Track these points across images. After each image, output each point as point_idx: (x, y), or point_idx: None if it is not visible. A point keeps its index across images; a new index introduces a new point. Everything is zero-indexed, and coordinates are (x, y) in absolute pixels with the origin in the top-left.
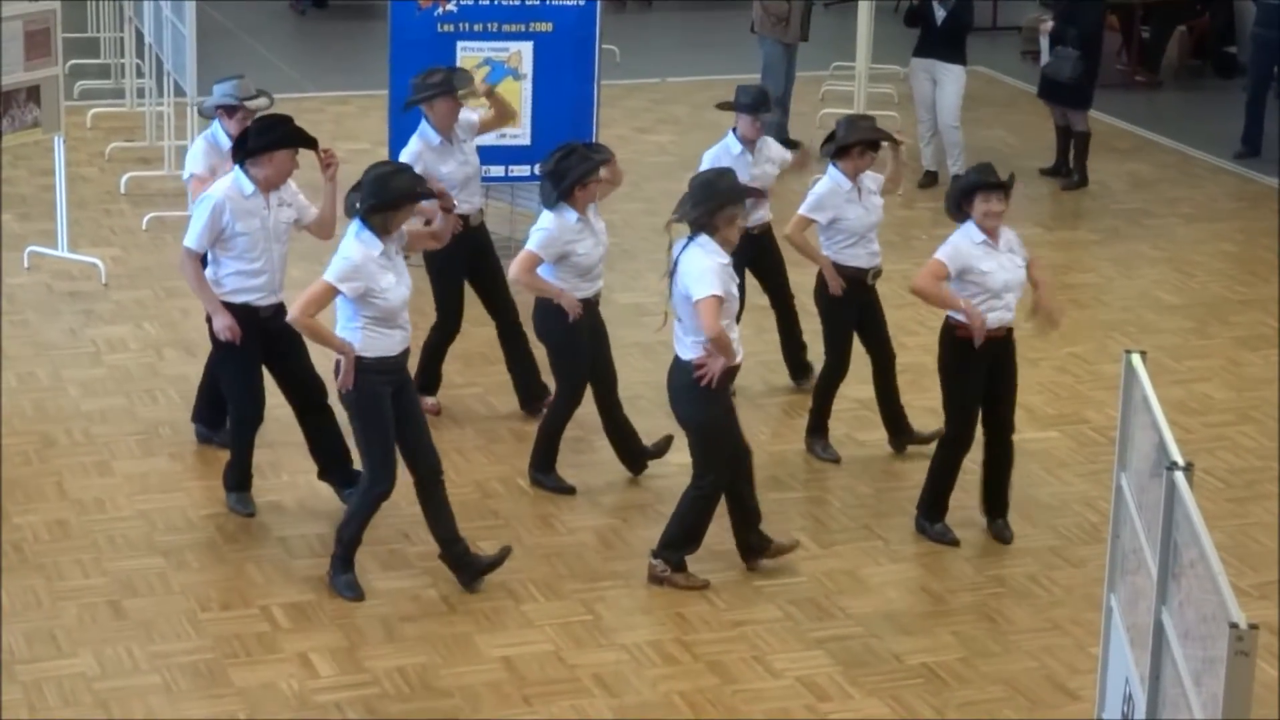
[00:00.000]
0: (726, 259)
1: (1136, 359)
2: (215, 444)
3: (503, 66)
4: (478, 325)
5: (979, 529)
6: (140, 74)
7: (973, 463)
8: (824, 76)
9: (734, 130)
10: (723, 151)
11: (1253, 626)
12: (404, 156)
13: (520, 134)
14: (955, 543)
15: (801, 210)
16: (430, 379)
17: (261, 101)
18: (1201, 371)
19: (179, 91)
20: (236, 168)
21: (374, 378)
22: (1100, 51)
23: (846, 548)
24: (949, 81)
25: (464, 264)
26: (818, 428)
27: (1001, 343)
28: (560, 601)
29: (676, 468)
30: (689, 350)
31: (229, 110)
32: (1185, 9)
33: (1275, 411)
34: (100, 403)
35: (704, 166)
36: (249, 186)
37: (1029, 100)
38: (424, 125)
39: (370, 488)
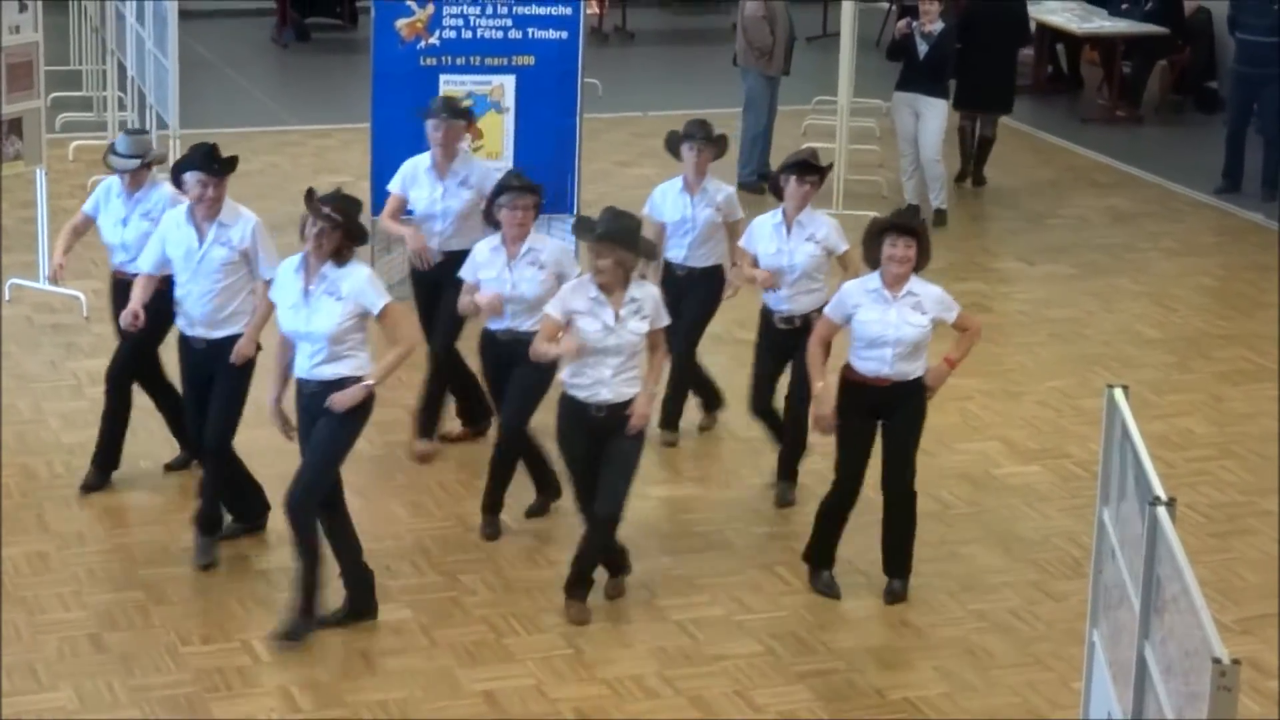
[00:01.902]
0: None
1: (1118, 393)
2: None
3: (485, 100)
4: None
5: (962, 564)
6: (123, 107)
7: (967, 499)
8: (806, 110)
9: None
10: (668, 187)
11: (1235, 662)
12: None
13: (502, 167)
14: (838, 595)
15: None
16: (427, 421)
17: (130, 164)
18: (1183, 406)
19: (161, 124)
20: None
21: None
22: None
23: None
24: (931, 116)
25: (423, 296)
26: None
27: (884, 392)
28: (542, 635)
29: (657, 501)
30: None
31: (177, 180)
32: (1166, 44)
33: (1257, 446)
34: (81, 435)
35: (649, 201)
36: (184, 217)
37: (1012, 135)
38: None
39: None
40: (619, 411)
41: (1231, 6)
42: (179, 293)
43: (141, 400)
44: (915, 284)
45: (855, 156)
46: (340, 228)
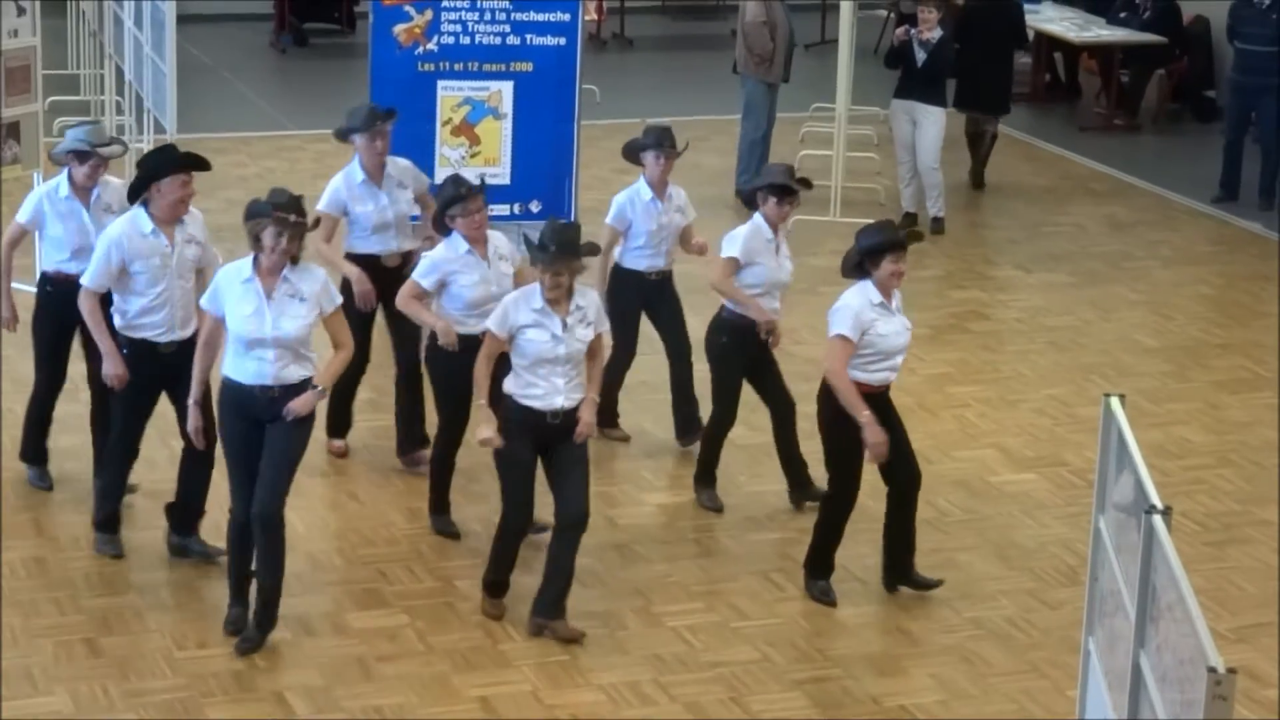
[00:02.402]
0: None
1: (1115, 402)
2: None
3: (483, 106)
4: None
5: (958, 571)
6: (120, 111)
7: (954, 506)
8: (804, 118)
9: (644, 175)
10: (634, 196)
11: (1231, 670)
12: (325, 189)
13: (500, 173)
14: (833, 603)
15: (725, 253)
16: (340, 420)
17: (115, 149)
18: (1180, 415)
19: (159, 129)
20: (138, 206)
21: (224, 396)
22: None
23: None
24: (929, 123)
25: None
26: (705, 477)
27: (884, 398)
28: (538, 641)
29: (653, 508)
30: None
31: (80, 156)
32: (1164, 53)
33: (1254, 455)
34: (76, 439)
35: (613, 210)
36: (147, 225)
37: (1010, 143)
38: (354, 160)
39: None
40: (571, 416)
41: (1230, 16)
42: (151, 302)
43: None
44: (895, 293)
45: (853, 164)
46: (304, 230)
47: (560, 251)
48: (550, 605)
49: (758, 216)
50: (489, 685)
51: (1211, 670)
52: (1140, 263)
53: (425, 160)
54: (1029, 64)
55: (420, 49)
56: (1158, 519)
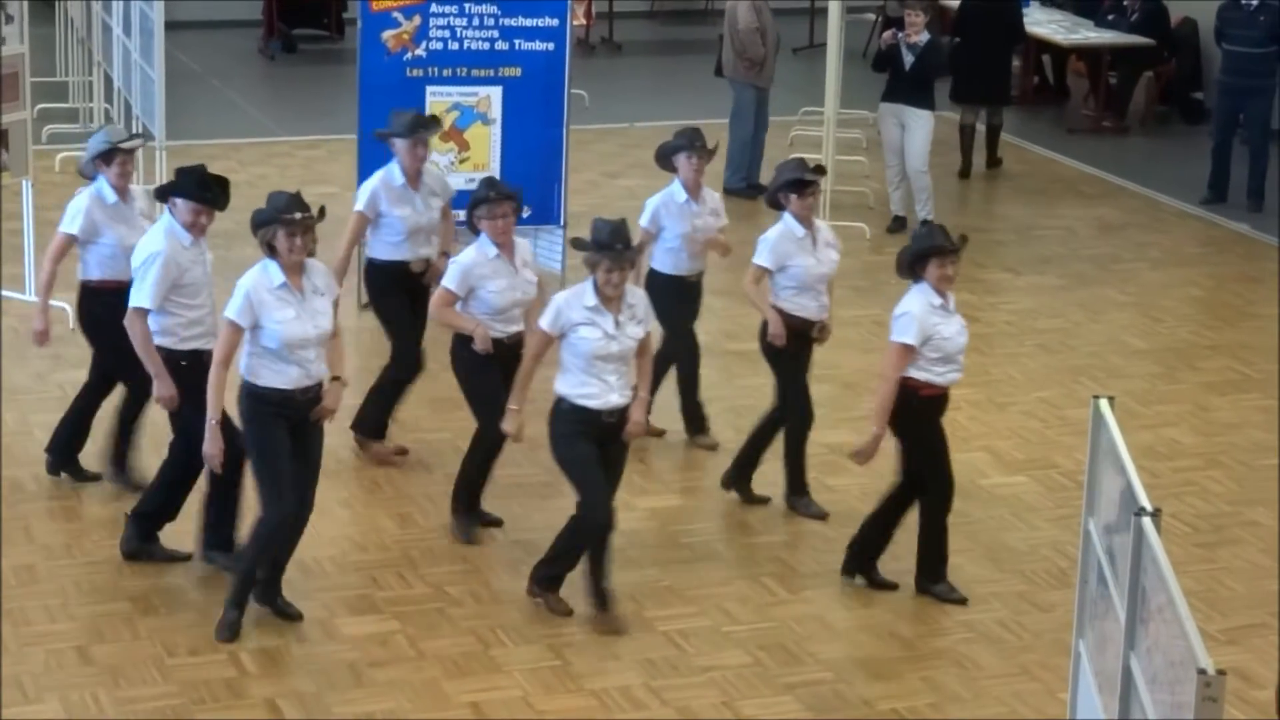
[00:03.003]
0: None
1: (1104, 404)
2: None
3: (472, 111)
4: (446, 369)
5: (950, 574)
6: (109, 118)
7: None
8: (792, 122)
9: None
10: (669, 198)
11: (1220, 672)
12: (362, 189)
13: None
14: (963, 600)
15: (755, 260)
16: (378, 424)
17: (135, 142)
18: (1169, 416)
19: (148, 135)
20: (171, 219)
21: (263, 406)
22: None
23: (816, 593)
24: (917, 127)
25: (407, 307)
26: (797, 486)
27: (947, 399)
28: (529, 647)
29: (645, 512)
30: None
31: (107, 157)
32: (1152, 55)
33: (1243, 456)
34: None
35: (646, 213)
36: (186, 236)
37: (998, 144)
38: (392, 164)
39: (262, 517)
40: (624, 414)
41: (1218, 18)
42: (200, 313)
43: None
44: (949, 295)
45: (842, 167)
46: (313, 223)
47: (626, 248)
48: (552, 580)
49: (786, 217)
50: (480, 691)
51: (1202, 672)
52: (1129, 264)
53: None
54: (1017, 66)
55: (409, 55)
56: (1147, 521)
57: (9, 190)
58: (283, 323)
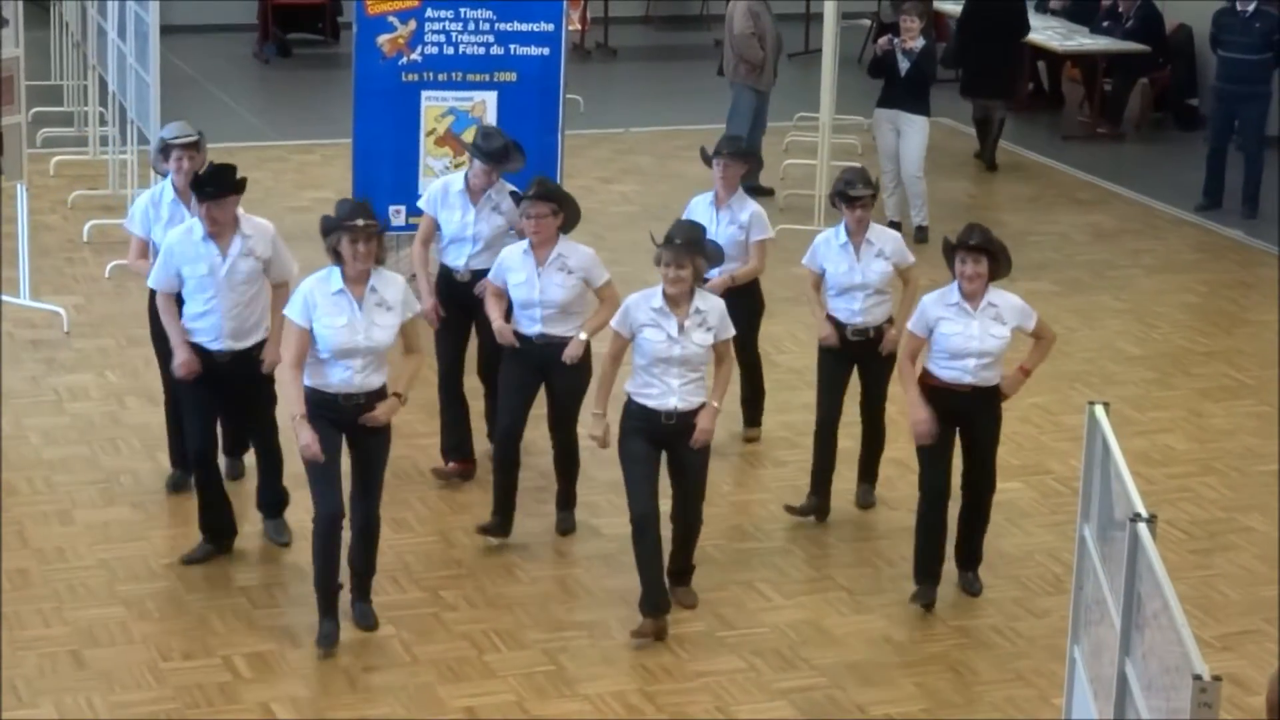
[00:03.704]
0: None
1: (1099, 410)
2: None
3: (467, 116)
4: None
5: (944, 580)
6: (104, 122)
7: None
8: (788, 127)
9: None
10: (700, 200)
11: (1216, 678)
12: (428, 191)
13: None
14: (926, 606)
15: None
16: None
17: (190, 136)
18: (1164, 423)
19: (142, 140)
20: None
21: (310, 405)
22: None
23: (810, 598)
24: (913, 132)
25: (452, 318)
26: (822, 484)
27: (964, 398)
28: (523, 651)
29: None
30: None
31: (164, 153)
32: (1147, 62)
33: (1237, 462)
34: (62, 451)
35: (688, 213)
36: (199, 232)
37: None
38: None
39: (313, 516)
40: (688, 419)
41: (1213, 24)
42: (200, 309)
43: (124, 417)
44: (994, 295)
45: (837, 173)
46: (376, 231)
47: (684, 245)
48: (649, 587)
49: (842, 222)
50: (475, 696)
51: (1197, 678)
52: (1124, 271)
53: (409, 171)
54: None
55: (404, 59)
56: (1142, 527)
57: (4, 194)
58: (331, 328)
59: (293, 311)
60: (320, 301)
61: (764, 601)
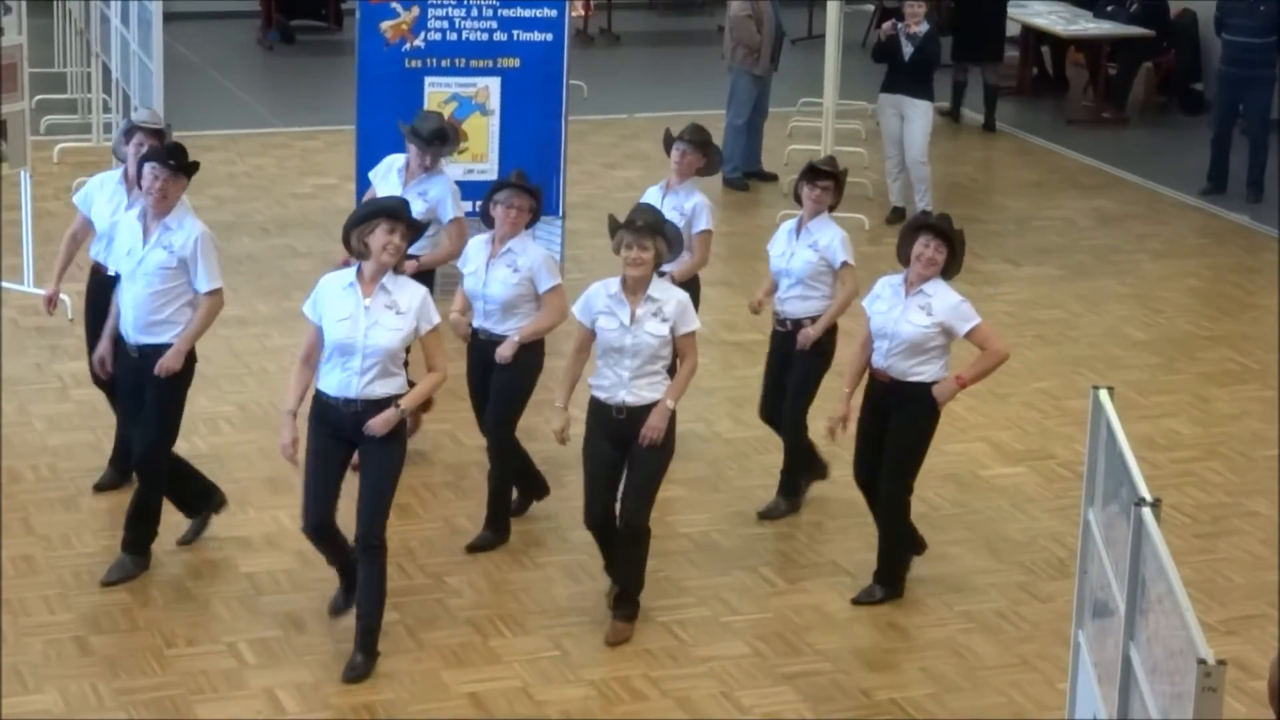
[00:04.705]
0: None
1: (1104, 394)
2: None
3: (470, 102)
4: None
5: (949, 565)
6: (107, 109)
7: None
8: (791, 112)
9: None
10: (652, 189)
11: (1220, 662)
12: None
13: (488, 169)
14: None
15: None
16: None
17: (154, 122)
18: (1169, 407)
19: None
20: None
21: (312, 406)
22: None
23: (814, 583)
24: (916, 117)
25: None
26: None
27: (885, 388)
28: (528, 637)
29: None
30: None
31: (127, 135)
32: (1151, 46)
33: (1242, 447)
34: (66, 438)
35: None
36: (138, 209)
37: (997, 137)
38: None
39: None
40: (640, 415)
41: (1218, 8)
42: (120, 292)
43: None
44: (933, 286)
45: (840, 159)
46: (411, 224)
47: (644, 226)
48: (618, 603)
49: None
50: (479, 681)
51: (1201, 662)
52: (1128, 255)
53: None
54: (1016, 58)
55: (407, 45)
56: (1147, 511)
57: (8, 181)
58: (331, 321)
59: (305, 306)
60: (329, 295)
61: (768, 587)
